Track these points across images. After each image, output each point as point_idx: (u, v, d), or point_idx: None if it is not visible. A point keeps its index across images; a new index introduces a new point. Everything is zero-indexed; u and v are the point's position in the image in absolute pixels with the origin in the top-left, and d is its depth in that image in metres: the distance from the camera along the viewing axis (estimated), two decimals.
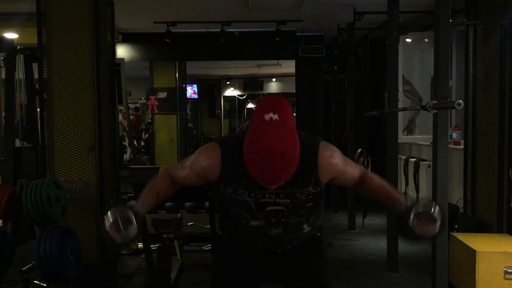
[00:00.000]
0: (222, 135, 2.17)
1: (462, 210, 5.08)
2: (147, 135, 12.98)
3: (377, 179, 2.03)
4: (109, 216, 1.82)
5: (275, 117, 1.66)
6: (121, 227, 1.81)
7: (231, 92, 15.82)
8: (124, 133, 11.67)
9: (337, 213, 7.13)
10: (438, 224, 1.86)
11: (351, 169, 2.02)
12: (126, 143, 11.90)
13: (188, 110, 12.61)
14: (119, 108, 7.75)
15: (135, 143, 11.86)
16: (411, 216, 1.86)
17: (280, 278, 2.15)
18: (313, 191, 1.90)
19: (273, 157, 1.61)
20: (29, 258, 4.10)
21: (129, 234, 1.82)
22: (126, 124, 10.34)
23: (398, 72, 4.83)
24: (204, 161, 1.90)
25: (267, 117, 1.66)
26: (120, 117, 10.78)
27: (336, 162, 1.93)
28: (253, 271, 2.10)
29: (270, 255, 2.08)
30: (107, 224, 1.81)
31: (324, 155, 1.89)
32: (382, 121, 6.52)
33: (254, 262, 2.09)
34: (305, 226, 1.99)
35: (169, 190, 2.00)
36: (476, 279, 3.66)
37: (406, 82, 5.57)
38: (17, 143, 5.05)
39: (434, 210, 1.86)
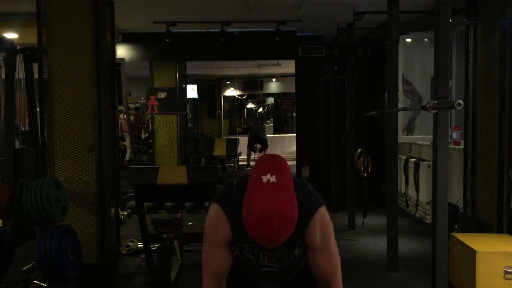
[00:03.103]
0: (218, 195, 2.08)
1: (462, 210, 5.09)
2: (146, 134, 12.99)
3: None
4: None
5: (272, 179, 1.66)
6: None
7: (231, 92, 15.82)
8: (124, 133, 11.66)
9: (337, 213, 7.14)
10: None
11: (329, 256, 1.94)
12: (126, 143, 11.90)
13: (188, 110, 12.61)
14: (119, 108, 7.75)
15: (135, 143, 11.85)
16: None
17: (280, 279, 2.15)
18: (298, 254, 1.92)
19: (271, 221, 1.61)
20: (29, 258, 4.10)
21: None
22: (126, 124, 10.34)
23: (398, 72, 4.83)
24: (218, 229, 1.89)
25: (264, 179, 1.66)
26: (121, 117, 10.78)
27: (322, 232, 1.89)
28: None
29: None
30: None
31: (317, 220, 1.87)
32: (382, 121, 6.52)
33: None
34: (299, 269, 2.03)
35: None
36: (476, 279, 3.66)
37: (406, 82, 5.57)
38: (17, 145, 5.05)
39: None
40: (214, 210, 1.90)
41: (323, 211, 1.89)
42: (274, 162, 1.74)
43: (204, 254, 1.95)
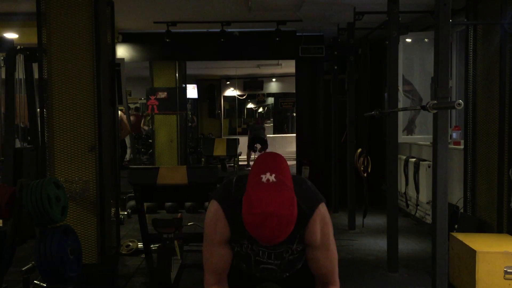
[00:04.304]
0: (217, 192, 2.12)
1: (462, 210, 5.09)
2: (146, 127, 12.99)
3: None
4: None
5: (272, 178, 1.67)
6: None
7: (231, 92, 15.83)
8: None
9: (337, 213, 7.13)
10: None
11: (328, 256, 1.96)
12: (126, 143, 11.89)
13: (187, 110, 12.60)
14: (119, 108, 7.74)
15: (135, 143, 11.85)
16: None
17: (279, 279, 2.15)
18: (297, 249, 1.93)
19: (271, 222, 1.63)
20: (29, 258, 4.10)
21: None
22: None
23: (398, 72, 4.83)
24: (217, 228, 1.90)
25: (264, 178, 1.67)
26: (121, 114, 10.76)
27: (323, 230, 1.90)
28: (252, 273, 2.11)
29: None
30: None
31: (318, 218, 1.88)
32: (382, 121, 6.52)
33: None
34: (298, 266, 2.04)
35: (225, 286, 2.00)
36: (476, 279, 3.66)
37: (406, 82, 5.57)
38: (17, 143, 5.04)
39: None
40: (213, 209, 1.92)
41: (322, 208, 1.90)
42: (274, 161, 1.74)
43: (205, 252, 1.97)
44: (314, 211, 1.87)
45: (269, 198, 1.63)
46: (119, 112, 7.74)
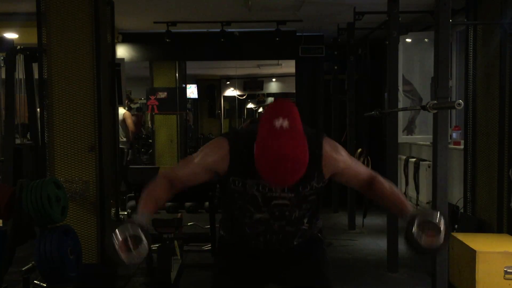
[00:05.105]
0: (227, 131, 2.22)
1: (462, 210, 5.09)
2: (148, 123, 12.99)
3: (387, 185, 2.02)
4: (118, 234, 1.74)
5: (285, 124, 1.68)
6: (131, 246, 1.73)
7: (231, 92, 15.81)
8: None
9: (337, 213, 7.14)
10: (442, 235, 1.81)
11: (356, 167, 2.03)
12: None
13: (187, 110, 12.60)
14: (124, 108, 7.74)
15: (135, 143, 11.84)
16: (414, 226, 1.82)
17: (283, 280, 2.15)
18: (316, 185, 1.94)
19: (286, 165, 1.65)
20: (29, 258, 4.10)
21: (140, 254, 1.74)
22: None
23: (398, 72, 4.83)
24: (214, 154, 1.91)
25: (277, 124, 1.68)
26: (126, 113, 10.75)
27: (339, 157, 1.96)
28: (255, 272, 2.11)
29: (273, 256, 2.08)
30: (116, 243, 1.73)
31: (328, 150, 1.93)
32: (382, 121, 6.52)
33: (257, 263, 2.09)
34: (305, 220, 2.03)
35: (167, 194, 1.98)
36: (476, 279, 3.66)
37: (406, 82, 5.57)
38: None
39: (437, 219, 1.82)
40: (219, 139, 1.94)
41: (327, 140, 1.96)
42: (286, 107, 1.76)
43: (182, 161, 1.99)
44: (321, 142, 1.92)
45: (283, 142, 1.65)
46: (124, 111, 7.75)
